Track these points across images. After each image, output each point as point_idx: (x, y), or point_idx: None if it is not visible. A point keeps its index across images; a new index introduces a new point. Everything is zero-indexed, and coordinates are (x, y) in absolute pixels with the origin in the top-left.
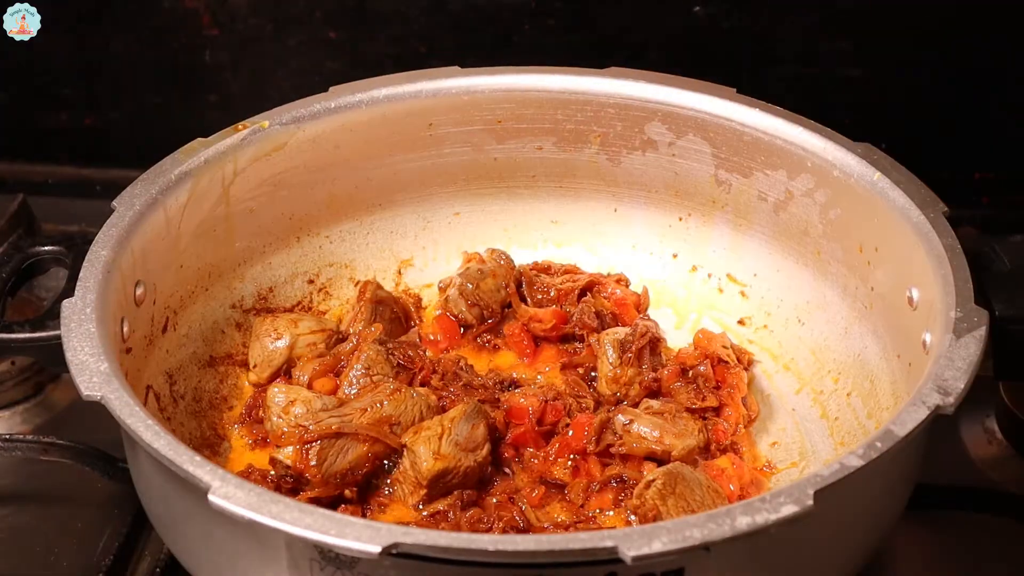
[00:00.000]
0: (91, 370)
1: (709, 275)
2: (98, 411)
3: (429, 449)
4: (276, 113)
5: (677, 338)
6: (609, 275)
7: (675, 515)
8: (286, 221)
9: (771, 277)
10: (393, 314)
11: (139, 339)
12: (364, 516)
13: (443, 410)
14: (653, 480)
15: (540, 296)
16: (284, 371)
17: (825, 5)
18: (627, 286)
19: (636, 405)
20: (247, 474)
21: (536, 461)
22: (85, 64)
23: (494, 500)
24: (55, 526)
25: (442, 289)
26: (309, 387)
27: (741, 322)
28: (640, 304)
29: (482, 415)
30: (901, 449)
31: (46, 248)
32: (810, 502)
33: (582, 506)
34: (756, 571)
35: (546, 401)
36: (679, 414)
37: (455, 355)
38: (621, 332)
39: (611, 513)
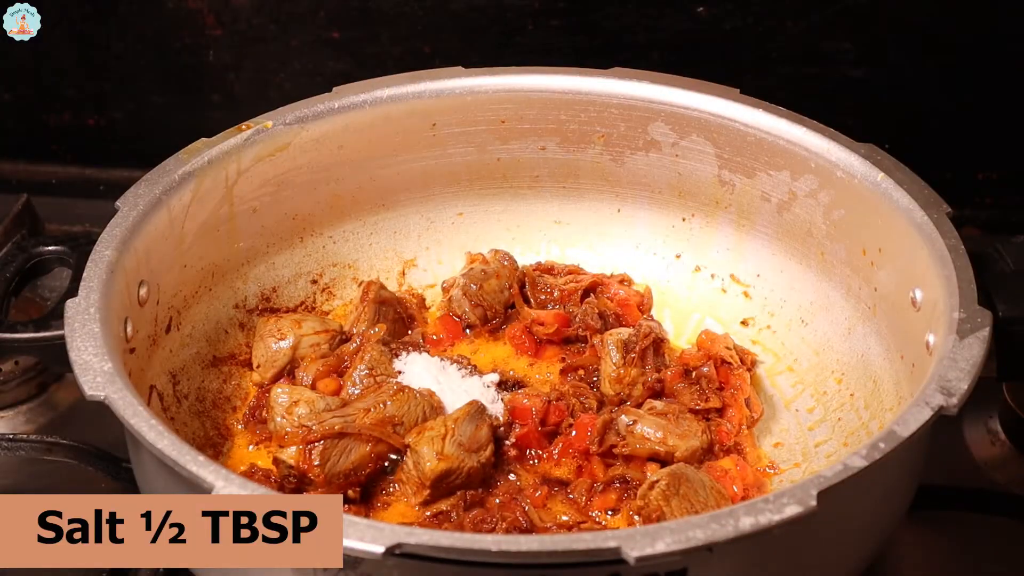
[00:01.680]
0: (95, 370)
1: (712, 276)
2: (101, 411)
3: (432, 450)
4: (280, 113)
5: (680, 339)
6: (612, 276)
7: (679, 516)
8: (289, 221)
9: (774, 278)
10: (396, 314)
11: (143, 339)
12: (367, 516)
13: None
14: (657, 481)
15: (543, 296)
16: (287, 371)
17: (827, 5)
18: (630, 287)
19: (639, 406)
20: (250, 474)
21: (539, 461)
22: (89, 64)
23: (497, 500)
24: None
25: (445, 290)
26: (312, 387)
27: (744, 323)
28: (643, 305)
29: (485, 415)
30: (904, 450)
31: (50, 248)
32: (813, 503)
33: (585, 507)
34: (759, 572)
35: (549, 401)
36: (682, 415)
37: (458, 355)
38: (624, 333)
39: (612, 514)
